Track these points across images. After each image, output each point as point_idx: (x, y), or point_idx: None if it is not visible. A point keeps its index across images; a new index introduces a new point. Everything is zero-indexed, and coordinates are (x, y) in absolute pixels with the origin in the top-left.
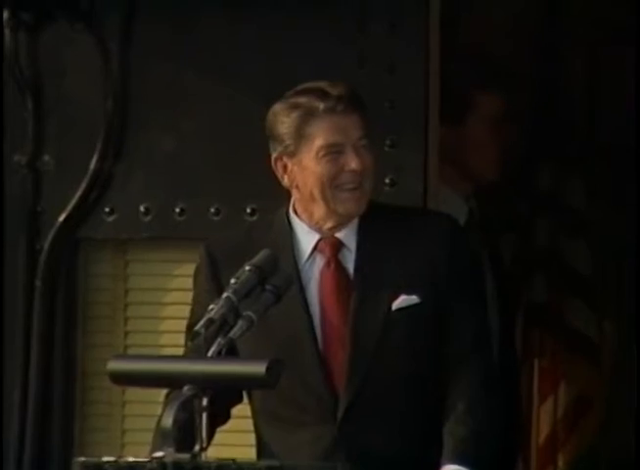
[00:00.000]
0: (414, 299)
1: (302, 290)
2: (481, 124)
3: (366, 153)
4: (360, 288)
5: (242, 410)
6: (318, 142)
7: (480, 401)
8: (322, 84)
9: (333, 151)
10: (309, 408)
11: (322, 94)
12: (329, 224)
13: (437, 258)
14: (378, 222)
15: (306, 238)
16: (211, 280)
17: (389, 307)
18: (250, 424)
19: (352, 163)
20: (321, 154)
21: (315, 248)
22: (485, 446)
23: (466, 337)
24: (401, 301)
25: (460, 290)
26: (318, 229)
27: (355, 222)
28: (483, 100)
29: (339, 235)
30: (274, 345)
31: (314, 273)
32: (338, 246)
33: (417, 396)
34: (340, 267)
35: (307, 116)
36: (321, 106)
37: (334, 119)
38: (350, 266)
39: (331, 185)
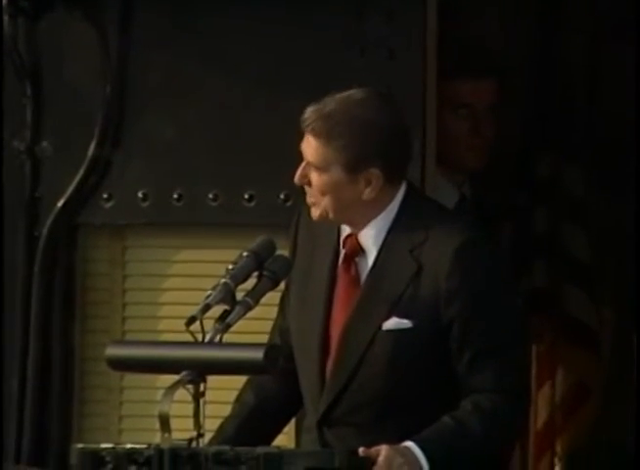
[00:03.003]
0: (405, 323)
1: (332, 279)
2: (456, 114)
3: (316, 175)
4: (363, 298)
5: None
6: None
7: (476, 420)
8: (323, 101)
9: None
10: (308, 396)
11: (309, 107)
12: None
13: (440, 288)
14: (406, 234)
15: (345, 230)
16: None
17: (380, 327)
18: None
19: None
20: None
21: (344, 242)
22: (454, 451)
23: (465, 358)
24: (392, 323)
25: (463, 313)
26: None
27: (384, 225)
28: (461, 89)
29: (359, 236)
30: (303, 312)
31: (340, 267)
32: (356, 248)
33: (390, 414)
34: (352, 271)
35: None
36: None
37: (305, 132)
38: (363, 270)
39: None
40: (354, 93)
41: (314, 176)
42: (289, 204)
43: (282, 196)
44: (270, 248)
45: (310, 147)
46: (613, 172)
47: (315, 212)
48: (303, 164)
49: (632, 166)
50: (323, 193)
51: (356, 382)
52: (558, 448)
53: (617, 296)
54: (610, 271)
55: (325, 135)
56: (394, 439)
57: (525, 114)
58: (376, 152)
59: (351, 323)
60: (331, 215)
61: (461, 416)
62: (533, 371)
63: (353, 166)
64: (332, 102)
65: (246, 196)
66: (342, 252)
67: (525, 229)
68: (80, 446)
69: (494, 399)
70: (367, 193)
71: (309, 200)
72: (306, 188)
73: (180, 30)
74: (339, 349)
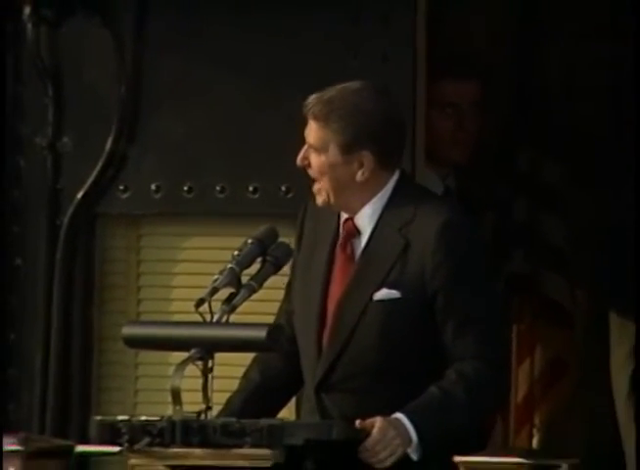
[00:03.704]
0: (394, 293)
1: (331, 258)
2: (444, 112)
3: (315, 156)
4: (356, 273)
5: None
6: None
7: (461, 389)
8: (325, 90)
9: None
10: (305, 366)
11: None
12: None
13: (425, 262)
14: (396, 215)
15: (344, 214)
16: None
17: (371, 297)
18: None
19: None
20: None
21: (343, 225)
22: (441, 421)
23: (449, 329)
24: (382, 293)
25: (446, 284)
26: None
27: (378, 207)
28: (447, 88)
29: (355, 218)
30: (305, 291)
31: (337, 247)
32: (352, 230)
33: (383, 380)
34: (347, 250)
35: None
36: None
37: (308, 117)
38: (358, 249)
39: None
40: (353, 84)
41: (313, 157)
42: (290, 195)
43: (283, 188)
44: (273, 235)
45: (311, 130)
46: (587, 166)
47: (319, 199)
48: (305, 147)
49: (606, 160)
50: (322, 173)
51: (350, 350)
52: (536, 420)
53: (591, 277)
54: (584, 257)
55: (323, 118)
56: (388, 404)
57: (506, 111)
58: (368, 136)
59: (346, 296)
60: (331, 199)
61: (446, 386)
62: (514, 349)
63: (347, 148)
64: (332, 90)
65: (250, 188)
66: (341, 234)
67: (506, 219)
68: (99, 418)
69: (476, 366)
70: (360, 175)
71: (314, 188)
72: (310, 173)
73: (190, 36)
74: (334, 319)
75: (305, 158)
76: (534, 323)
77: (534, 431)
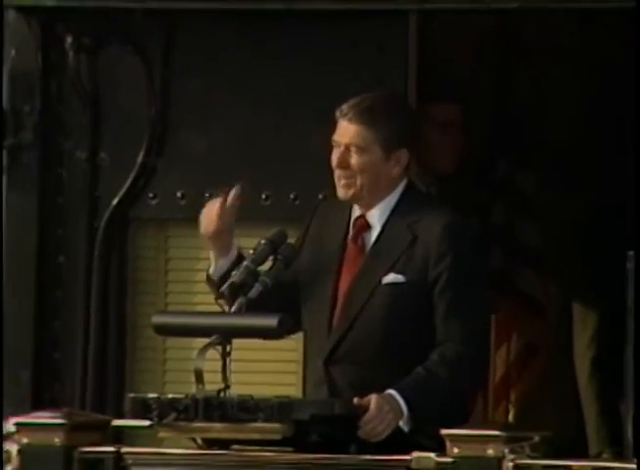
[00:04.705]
0: (400, 278)
1: (343, 249)
2: (432, 129)
3: (356, 156)
4: (367, 261)
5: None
6: None
7: (443, 369)
8: (359, 96)
9: (334, 146)
10: (314, 341)
11: (346, 103)
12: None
13: (430, 253)
14: (405, 214)
15: (355, 213)
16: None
17: (380, 281)
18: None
19: (333, 158)
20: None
21: (355, 222)
22: (427, 397)
23: (438, 321)
24: (390, 277)
25: (445, 274)
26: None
27: (388, 207)
28: (436, 108)
29: (368, 214)
30: (318, 275)
31: (349, 240)
32: (364, 225)
33: (385, 354)
34: (359, 242)
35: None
36: (339, 111)
37: (341, 122)
38: (368, 242)
39: (333, 172)
40: (384, 92)
41: (354, 158)
42: (297, 202)
43: (292, 196)
44: (283, 237)
45: (350, 132)
46: (558, 174)
47: (348, 192)
48: (342, 150)
49: (574, 169)
50: (362, 171)
51: (358, 325)
52: (512, 397)
53: (562, 274)
54: (555, 253)
55: (368, 121)
56: (390, 375)
57: (487, 127)
58: (408, 135)
59: (357, 279)
60: (365, 193)
61: (431, 367)
62: (493, 335)
63: (390, 146)
64: (369, 97)
65: (263, 196)
66: (352, 229)
67: (485, 222)
68: (132, 395)
69: (458, 350)
70: (395, 171)
71: (344, 182)
72: (341, 171)
73: (211, 62)
74: (345, 299)
75: (344, 159)
76: (510, 313)
77: (510, 407)
